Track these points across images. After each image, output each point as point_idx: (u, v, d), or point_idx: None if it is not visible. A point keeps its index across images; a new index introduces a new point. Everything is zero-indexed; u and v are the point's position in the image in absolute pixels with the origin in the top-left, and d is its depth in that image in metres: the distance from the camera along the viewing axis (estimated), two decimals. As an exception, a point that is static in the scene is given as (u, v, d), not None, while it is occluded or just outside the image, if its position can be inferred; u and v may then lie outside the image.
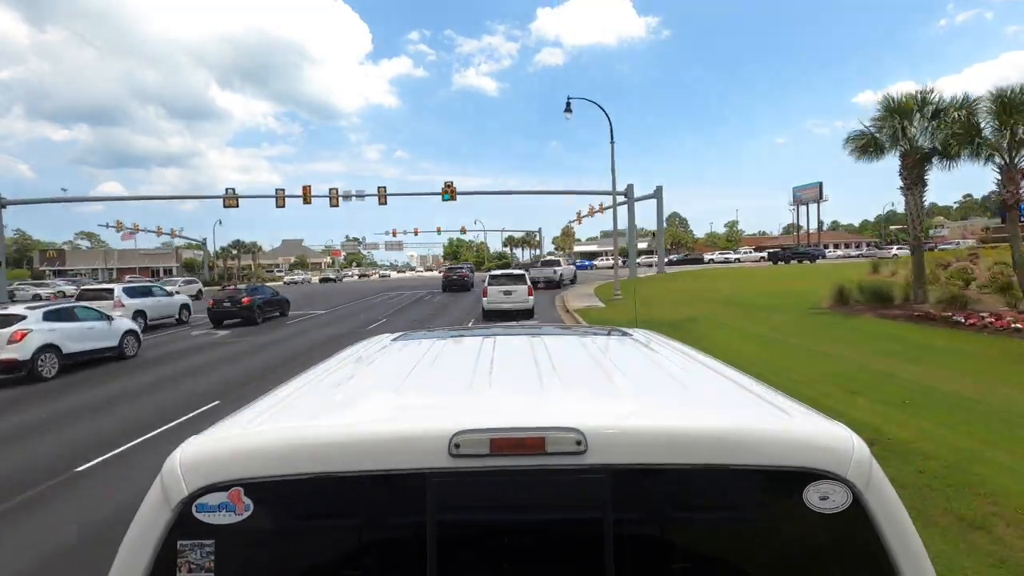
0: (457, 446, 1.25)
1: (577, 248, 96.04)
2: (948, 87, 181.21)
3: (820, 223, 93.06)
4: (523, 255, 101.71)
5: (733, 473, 1.26)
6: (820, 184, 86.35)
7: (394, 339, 2.79)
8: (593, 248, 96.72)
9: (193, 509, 1.23)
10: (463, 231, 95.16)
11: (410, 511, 1.25)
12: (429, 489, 1.23)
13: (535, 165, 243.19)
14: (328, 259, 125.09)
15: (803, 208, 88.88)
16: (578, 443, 1.24)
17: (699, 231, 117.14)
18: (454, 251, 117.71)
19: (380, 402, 1.71)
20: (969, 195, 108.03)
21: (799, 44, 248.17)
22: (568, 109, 27.06)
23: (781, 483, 1.25)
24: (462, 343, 2.67)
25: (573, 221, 69.48)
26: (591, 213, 52.46)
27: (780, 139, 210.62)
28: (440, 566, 1.22)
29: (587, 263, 75.67)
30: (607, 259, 72.73)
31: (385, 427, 1.37)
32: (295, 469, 1.25)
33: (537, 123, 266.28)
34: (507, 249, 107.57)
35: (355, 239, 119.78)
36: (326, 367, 2.20)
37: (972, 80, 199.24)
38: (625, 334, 2.80)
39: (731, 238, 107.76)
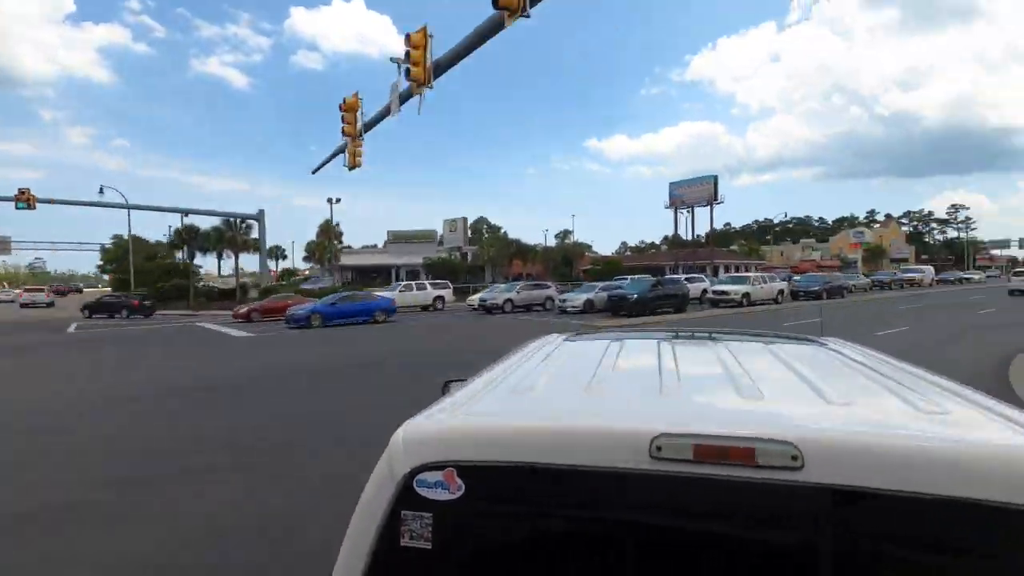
0: (659, 448, 1.20)
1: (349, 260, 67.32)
2: (651, 142, 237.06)
3: (712, 231, 70.59)
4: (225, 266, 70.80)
5: (977, 509, 1.07)
6: (715, 179, 62.79)
7: (567, 338, 2.73)
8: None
9: (414, 483, 1.29)
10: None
11: (606, 510, 1.24)
12: (628, 490, 1.21)
13: (291, 169, 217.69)
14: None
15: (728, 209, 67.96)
16: (793, 458, 1.14)
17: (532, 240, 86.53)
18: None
19: (575, 398, 1.66)
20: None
21: (543, 86, 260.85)
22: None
23: None
24: (639, 345, 2.55)
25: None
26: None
27: (530, 170, 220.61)
28: (631, 569, 1.19)
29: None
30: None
31: (587, 422, 1.36)
32: (501, 456, 1.27)
33: (295, 125, 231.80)
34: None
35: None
36: (511, 363, 2.15)
37: (663, 139, 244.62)
38: (818, 342, 2.58)
39: (570, 254, 75.62)
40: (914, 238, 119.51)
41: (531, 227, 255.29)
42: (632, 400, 1.64)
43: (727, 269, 68.53)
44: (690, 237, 70.75)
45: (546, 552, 1.27)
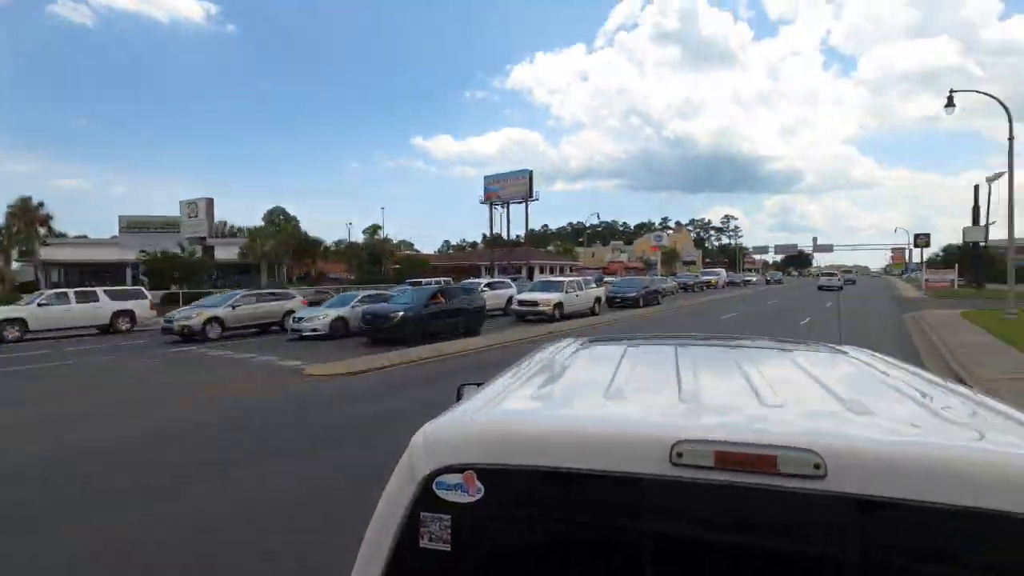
0: (679, 455, 1.19)
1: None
2: (476, 144, 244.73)
3: (529, 231, 66.51)
4: None
5: (1003, 520, 1.05)
6: (530, 173, 57.34)
7: (583, 343, 2.67)
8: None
9: (434, 486, 1.29)
10: None
11: (626, 515, 1.23)
12: (647, 496, 1.20)
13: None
14: None
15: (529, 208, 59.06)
16: (816, 466, 1.13)
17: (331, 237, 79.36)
18: None
19: (595, 403, 1.63)
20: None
21: (365, 85, 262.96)
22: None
23: None
24: (658, 351, 2.50)
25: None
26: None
27: (354, 164, 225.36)
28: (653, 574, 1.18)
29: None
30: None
31: (608, 427, 1.35)
32: (521, 460, 1.27)
33: (56, 90, 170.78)
34: None
35: None
36: (529, 368, 2.11)
37: (487, 142, 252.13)
38: (838, 350, 2.49)
39: (379, 251, 60.97)
40: (698, 244, 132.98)
41: (339, 224, 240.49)
42: (652, 406, 1.63)
43: (543, 270, 64.71)
44: (507, 236, 65.30)
45: (564, 557, 1.26)
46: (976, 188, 56.61)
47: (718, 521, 1.18)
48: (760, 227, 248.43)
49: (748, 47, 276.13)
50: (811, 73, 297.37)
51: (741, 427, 1.30)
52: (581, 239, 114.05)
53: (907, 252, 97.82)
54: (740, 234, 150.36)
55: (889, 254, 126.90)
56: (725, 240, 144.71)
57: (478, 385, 2.03)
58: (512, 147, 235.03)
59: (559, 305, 24.12)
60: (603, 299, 28.80)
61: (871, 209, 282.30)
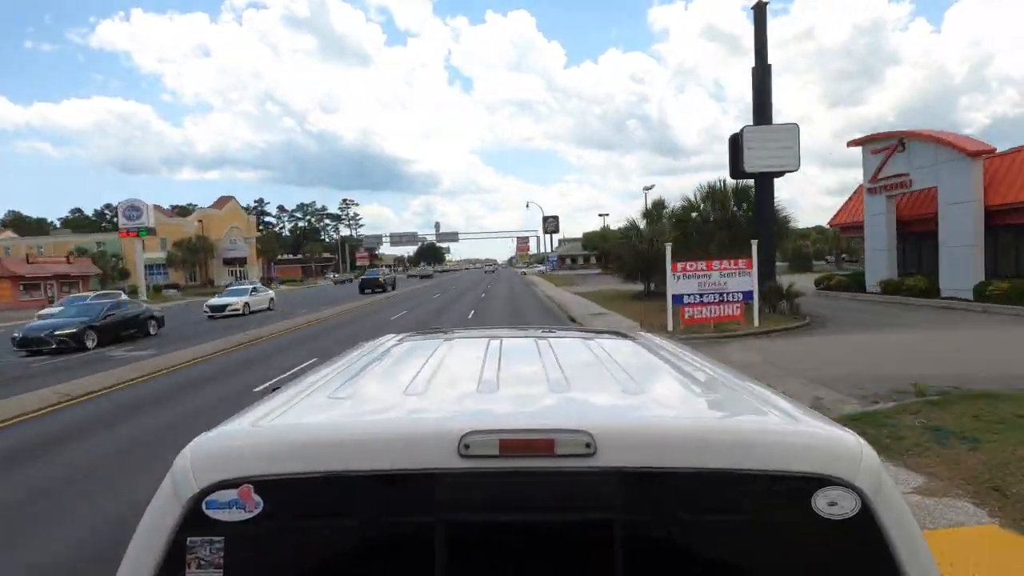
0: (467, 447, 1.23)
1: None
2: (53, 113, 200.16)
3: None
4: None
5: (742, 477, 1.24)
6: None
7: (400, 339, 2.76)
8: None
9: (203, 506, 1.21)
10: None
11: (419, 511, 1.24)
12: (438, 489, 1.22)
13: None
14: None
15: None
16: (587, 445, 1.23)
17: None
18: None
19: (389, 401, 1.67)
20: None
21: None
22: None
23: (790, 489, 1.24)
24: (469, 343, 2.61)
25: None
26: None
27: None
28: (448, 567, 1.21)
29: None
30: None
31: (395, 426, 1.37)
32: (304, 467, 1.23)
33: None
34: None
35: None
36: (334, 367, 2.13)
37: (71, 111, 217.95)
38: (630, 337, 2.78)
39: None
40: (308, 235, 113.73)
41: None
42: (447, 400, 1.68)
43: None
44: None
45: (357, 561, 1.24)
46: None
47: (508, 505, 1.25)
48: (410, 225, 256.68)
49: (382, 51, 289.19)
50: (439, 86, 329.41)
51: (526, 414, 1.44)
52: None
53: (538, 240, 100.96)
54: (361, 222, 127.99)
55: (515, 244, 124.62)
56: (345, 230, 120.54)
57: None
58: (113, 121, 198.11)
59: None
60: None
61: (496, 211, 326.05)
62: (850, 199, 27.43)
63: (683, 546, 1.26)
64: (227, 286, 41.55)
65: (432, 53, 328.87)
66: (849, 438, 1.32)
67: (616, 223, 50.22)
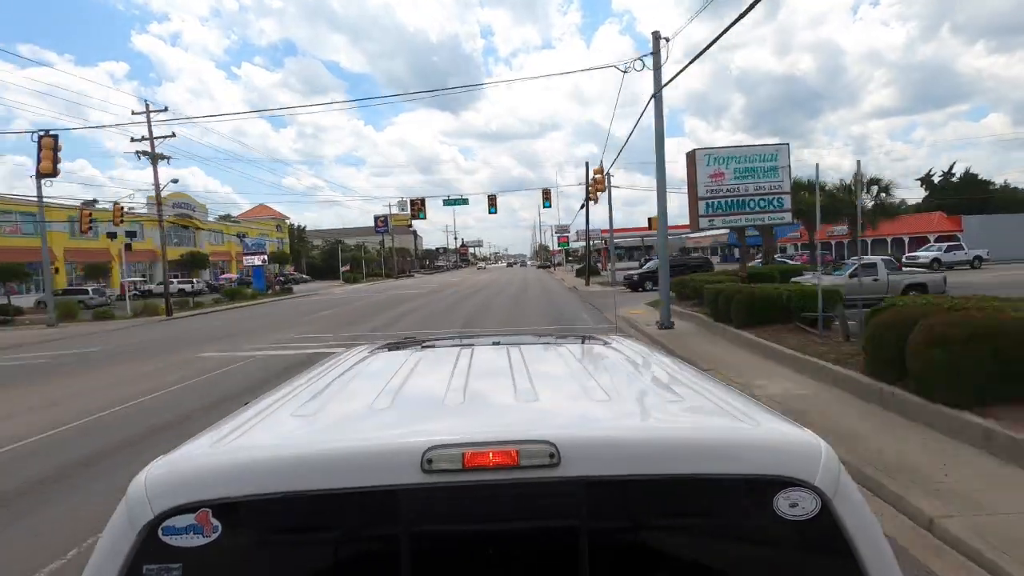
0: (429, 462, 1.22)
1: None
2: None
3: None
4: None
5: (705, 482, 1.26)
6: None
7: (371, 351, 2.69)
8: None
9: (159, 532, 1.19)
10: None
11: (383, 529, 1.24)
12: (401, 506, 1.21)
13: None
14: None
15: None
16: (551, 456, 1.23)
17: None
18: None
19: (352, 418, 1.66)
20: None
21: None
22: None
23: (752, 491, 1.25)
24: (440, 354, 2.58)
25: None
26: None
27: None
28: None
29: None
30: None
31: (356, 444, 1.35)
32: (264, 488, 1.21)
33: None
34: None
35: None
36: (299, 382, 2.11)
37: None
38: (602, 340, 2.79)
39: None
40: None
41: None
42: (411, 415, 1.64)
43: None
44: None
45: None
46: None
47: (472, 519, 1.24)
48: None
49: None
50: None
51: (489, 427, 1.42)
52: None
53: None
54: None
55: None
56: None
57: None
58: None
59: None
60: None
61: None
62: None
63: (648, 552, 1.27)
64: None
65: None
66: (808, 439, 1.34)
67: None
